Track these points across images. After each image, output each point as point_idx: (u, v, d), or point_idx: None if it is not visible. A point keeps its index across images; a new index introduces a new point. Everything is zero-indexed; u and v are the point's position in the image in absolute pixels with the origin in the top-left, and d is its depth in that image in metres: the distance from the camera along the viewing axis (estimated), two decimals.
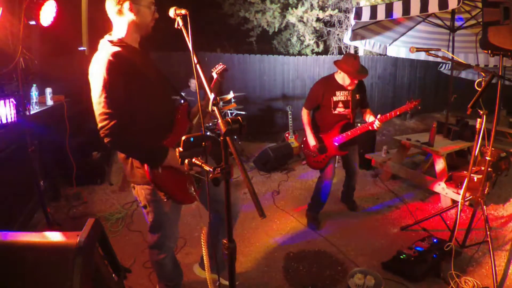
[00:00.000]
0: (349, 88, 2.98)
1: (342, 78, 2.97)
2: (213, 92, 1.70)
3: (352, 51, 8.81)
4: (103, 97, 1.45)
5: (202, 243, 1.63)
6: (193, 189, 1.75)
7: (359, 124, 3.06)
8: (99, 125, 1.46)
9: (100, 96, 1.46)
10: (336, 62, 2.97)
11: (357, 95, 3.07)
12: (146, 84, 1.62)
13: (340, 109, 3.04)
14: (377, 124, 2.86)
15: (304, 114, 3.14)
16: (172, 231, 1.88)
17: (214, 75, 2.05)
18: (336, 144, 3.06)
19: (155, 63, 1.81)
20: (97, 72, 1.48)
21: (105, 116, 1.45)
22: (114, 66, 1.47)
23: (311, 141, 3.06)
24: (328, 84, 3.04)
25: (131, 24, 1.62)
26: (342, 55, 4.12)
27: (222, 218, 2.07)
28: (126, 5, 1.56)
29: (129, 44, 1.63)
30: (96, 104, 1.48)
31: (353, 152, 3.27)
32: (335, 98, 3.00)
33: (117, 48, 1.56)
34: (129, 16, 1.59)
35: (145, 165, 1.60)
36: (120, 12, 1.58)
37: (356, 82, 2.94)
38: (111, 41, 1.60)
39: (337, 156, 3.35)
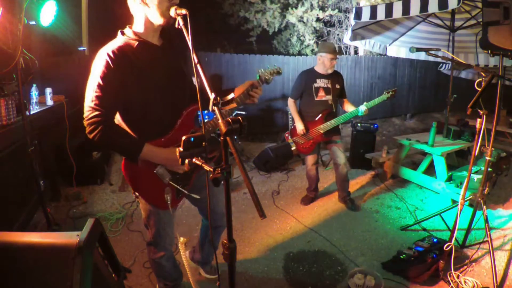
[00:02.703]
0: (329, 71, 3.32)
1: (322, 63, 3.31)
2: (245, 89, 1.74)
3: (352, 51, 8.82)
4: (94, 93, 1.47)
5: (181, 253, 1.61)
6: (170, 198, 1.72)
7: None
8: (84, 114, 1.48)
9: (92, 90, 1.47)
10: (317, 53, 3.37)
11: (336, 85, 3.41)
12: (144, 83, 1.57)
13: (321, 95, 3.35)
14: (363, 109, 3.17)
15: (290, 103, 3.52)
16: (166, 232, 1.85)
17: (258, 77, 1.95)
18: (321, 131, 3.36)
19: (178, 61, 1.74)
20: (94, 67, 1.50)
21: (89, 108, 1.47)
22: (110, 64, 1.46)
23: (299, 126, 3.38)
24: (308, 73, 3.42)
25: (146, 15, 1.54)
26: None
27: (212, 226, 2.09)
28: None
29: (142, 38, 1.57)
30: (87, 95, 1.50)
31: (337, 142, 3.50)
32: (316, 85, 3.34)
33: (122, 43, 1.53)
34: (142, 6, 1.52)
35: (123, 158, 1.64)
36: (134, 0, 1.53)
37: (335, 63, 3.30)
38: (122, 32, 1.58)
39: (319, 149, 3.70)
